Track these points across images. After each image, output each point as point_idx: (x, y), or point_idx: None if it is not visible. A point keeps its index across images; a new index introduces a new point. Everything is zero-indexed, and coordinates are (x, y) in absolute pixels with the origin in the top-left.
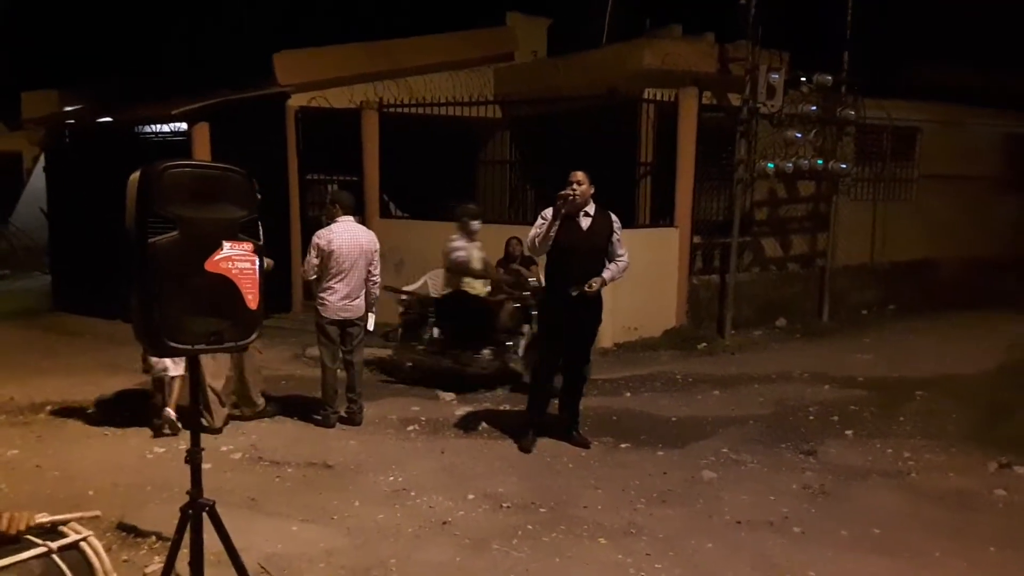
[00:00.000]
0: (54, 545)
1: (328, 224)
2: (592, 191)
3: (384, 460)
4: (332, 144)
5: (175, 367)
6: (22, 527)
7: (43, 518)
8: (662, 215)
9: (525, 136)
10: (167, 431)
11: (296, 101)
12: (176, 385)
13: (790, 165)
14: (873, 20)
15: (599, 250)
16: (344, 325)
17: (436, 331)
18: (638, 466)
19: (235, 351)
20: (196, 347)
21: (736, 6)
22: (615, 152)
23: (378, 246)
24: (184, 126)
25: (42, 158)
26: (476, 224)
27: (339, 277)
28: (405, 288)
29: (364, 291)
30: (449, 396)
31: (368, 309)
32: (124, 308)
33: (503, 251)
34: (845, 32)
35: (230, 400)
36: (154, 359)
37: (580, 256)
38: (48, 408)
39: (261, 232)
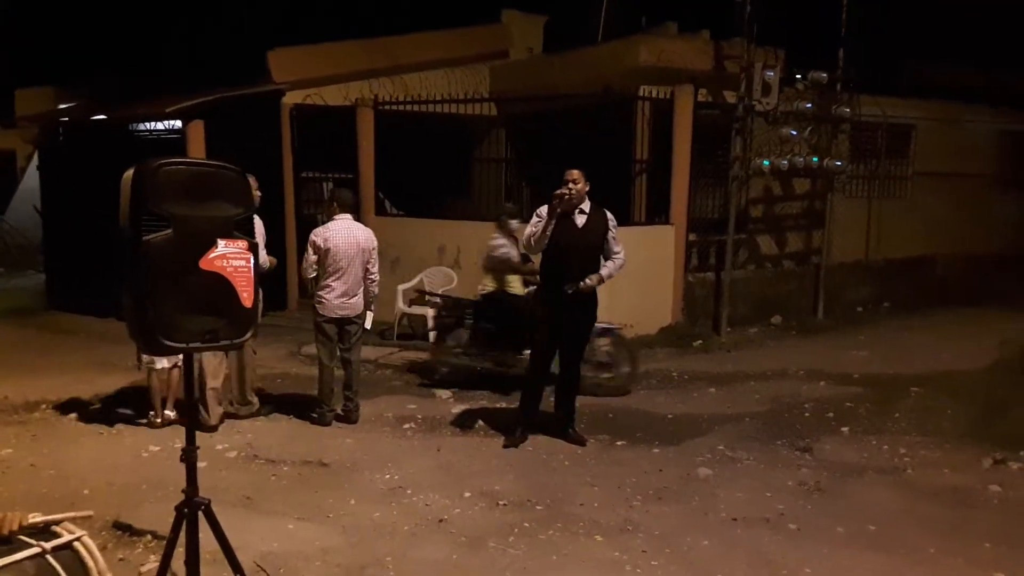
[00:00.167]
0: (47, 545)
1: (326, 222)
2: (587, 189)
3: (380, 458)
4: (327, 142)
5: (162, 359)
6: (14, 527)
7: (36, 518)
8: (658, 212)
9: (521, 134)
10: (158, 420)
11: (291, 98)
12: (175, 381)
13: (785, 162)
14: (868, 17)
15: (595, 248)
16: (342, 323)
17: (472, 333)
18: (634, 463)
19: (230, 349)
20: (191, 345)
21: (731, 4)
22: (611, 149)
23: (376, 244)
24: (179, 124)
25: (36, 156)
26: (515, 223)
27: (336, 275)
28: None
29: (363, 289)
30: (445, 394)
31: (367, 307)
32: (118, 306)
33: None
34: (840, 29)
35: (227, 399)
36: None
37: (576, 254)
38: (43, 406)
39: (264, 230)
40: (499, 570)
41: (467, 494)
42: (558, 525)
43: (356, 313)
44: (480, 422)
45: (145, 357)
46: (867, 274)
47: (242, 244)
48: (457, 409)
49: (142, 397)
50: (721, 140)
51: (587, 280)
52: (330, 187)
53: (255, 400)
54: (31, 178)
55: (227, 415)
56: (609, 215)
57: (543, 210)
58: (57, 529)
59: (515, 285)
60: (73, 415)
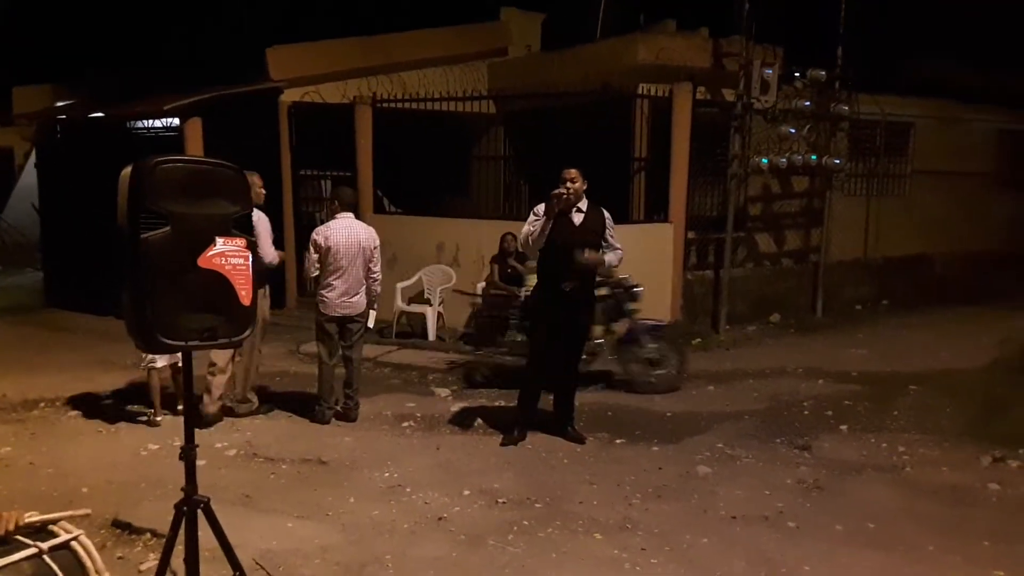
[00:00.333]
0: (44, 546)
1: (327, 220)
2: (585, 187)
3: (379, 456)
4: (325, 139)
5: (162, 358)
6: (11, 527)
7: (33, 517)
8: (656, 210)
9: (519, 131)
10: (157, 419)
11: (289, 96)
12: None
13: (784, 160)
14: (866, 15)
15: (592, 246)
16: (344, 321)
17: (520, 332)
18: (633, 461)
19: (229, 347)
20: (189, 344)
21: (730, 1)
22: (609, 147)
23: (378, 243)
24: (176, 122)
25: (33, 154)
26: None
27: (337, 274)
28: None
29: (364, 288)
30: (444, 392)
31: (369, 306)
32: (116, 304)
33: (497, 247)
34: (839, 27)
35: (229, 397)
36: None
37: (573, 251)
38: (41, 404)
39: (270, 227)
40: (498, 568)
41: (466, 492)
42: (557, 523)
43: (358, 312)
44: (479, 420)
45: (147, 356)
46: (866, 272)
47: (240, 242)
48: (456, 407)
49: (141, 395)
50: (720, 138)
51: (587, 253)
52: (328, 185)
53: (254, 398)
54: (29, 176)
55: (225, 409)
56: (606, 213)
57: (540, 208)
58: (54, 528)
59: None
60: (72, 413)
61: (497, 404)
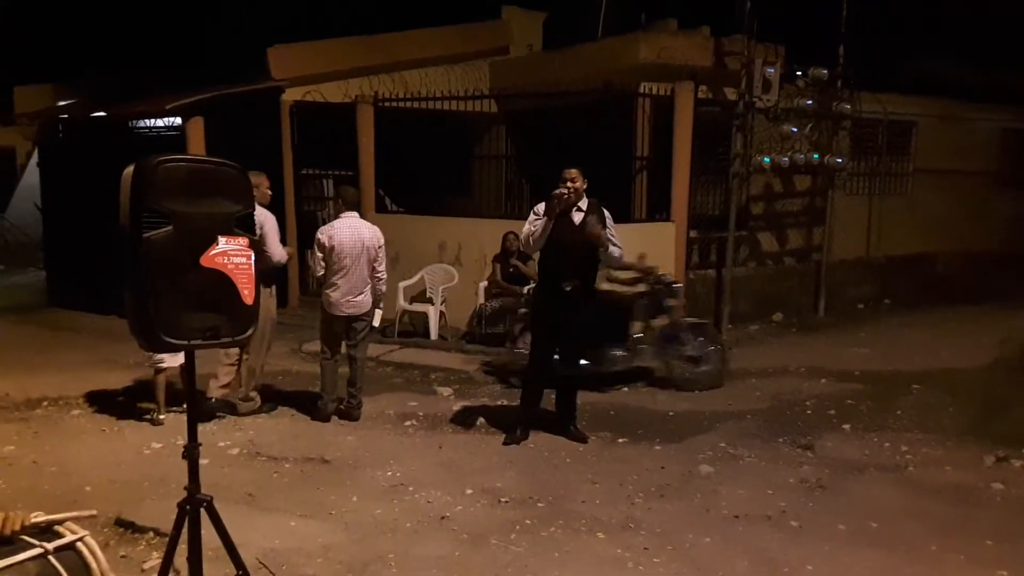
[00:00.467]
0: (50, 546)
1: (333, 219)
2: (585, 186)
3: (382, 455)
4: (327, 139)
5: (172, 359)
6: (17, 527)
7: (38, 517)
8: (658, 209)
9: (521, 130)
10: (160, 417)
11: (291, 95)
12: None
13: (786, 159)
14: (868, 14)
15: (592, 245)
16: (349, 320)
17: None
18: (636, 461)
19: (231, 347)
20: (192, 343)
21: (732, 0)
22: (611, 146)
23: (382, 242)
24: (178, 121)
25: (36, 153)
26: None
27: (341, 273)
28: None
29: (369, 287)
30: (447, 391)
31: (375, 305)
32: (119, 303)
33: (500, 246)
34: (840, 26)
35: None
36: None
37: (573, 251)
38: (44, 404)
39: (277, 226)
40: (501, 567)
41: (469, 491)
42: (560, 522)
43: (362, 311)
44: (481, 419)
45: (154, 355)
46: (868, 271)
47: (243, 241)
48: (458, 407)
49: (144, 394)
50: (722, 137)
51: (596, 226)
52: (330, 184)
53: (257, 397)
54: (31, 175)
55: (227, 403)
56: (606, 212)
57: (540, 208)
58: (60, 529)
59: (620, 277)
60: (75, 412)
61: (499, 403)
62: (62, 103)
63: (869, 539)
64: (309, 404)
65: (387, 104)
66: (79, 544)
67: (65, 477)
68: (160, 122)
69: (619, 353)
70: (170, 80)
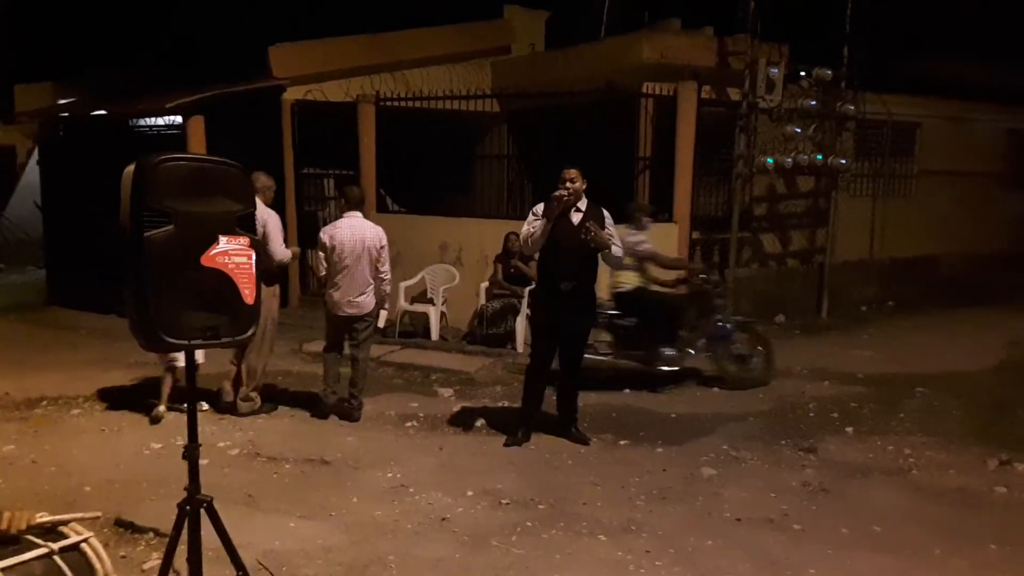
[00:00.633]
0: (55, 546)
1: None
2: (584, 186)
3: (382, 456)
4: (328, 138)
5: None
6: (22, 527)
7: (43, 518)
8: (661, 210)
9: (523, 130)
10: (161, 409)
11: (292, 94)
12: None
13: (789, 160)
14: (872, 14)
15: (591, 245)
16: (351, 320)
17: (610, 331)
18: (637, 463)
19: (232, 346)
20: (192, 342)
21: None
22: (613, 146)
23: (385, 242)
24: (179, 119)
25: (36, 152)
26: (648, 220)
27: (342, 273)
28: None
29: (371, 287)
30: (447, 392)
31: (379, 305)
32: (119, 302)
33: (501, 246)
34: (844, 26)
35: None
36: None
37: (572, 251)
38: (44, 403)
39: (281, 225)
40: (502, 569)
41: (470, 493)
42: (561, 524)
43: (364, 312)
44: (482, 421)
45: (167, 355)
46: (871, 273)
47: (244, 240)
48: (459, 407)
49: (145, 393)
50: (725, 137)
51: (595, 225)
52: (331, 184)
53: (257, 398)
54: (31, 174)
55: (227, 404)
56: (606, 212)
57: (539, 208)
58: (64, 530)
59: (659, 276)
60: (74, 412)
61: (500, 404)
62: (62, 101)
63: (872, 543)
64: (309, 404)
65: (388, 103)
66: (84, 545)
67: (65, 477)
68: (161, 121)
69: (670, 353)
70: (171, 79)
